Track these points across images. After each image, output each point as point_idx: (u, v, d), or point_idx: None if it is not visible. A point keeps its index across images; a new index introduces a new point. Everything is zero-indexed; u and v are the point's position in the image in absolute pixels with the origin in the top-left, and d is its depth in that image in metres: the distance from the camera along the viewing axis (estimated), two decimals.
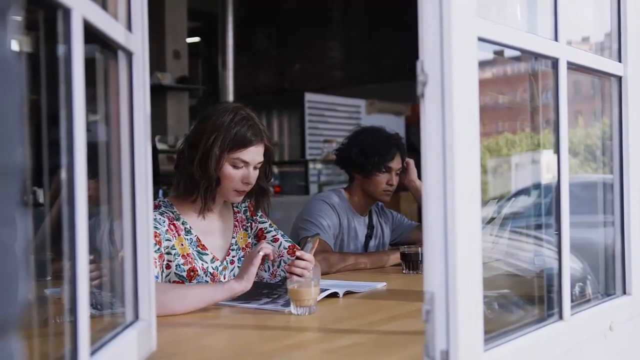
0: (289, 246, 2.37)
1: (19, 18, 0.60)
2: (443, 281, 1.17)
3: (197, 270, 2.19)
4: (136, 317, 1.37)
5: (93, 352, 1.09)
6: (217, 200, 2.27)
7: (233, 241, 2.34)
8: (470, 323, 1.19)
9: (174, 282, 2.16)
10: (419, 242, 2.98)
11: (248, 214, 2.42)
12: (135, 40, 1.36)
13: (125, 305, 1.36)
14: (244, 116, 2.21)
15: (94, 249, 1.18)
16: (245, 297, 2.05)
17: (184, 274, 2.17)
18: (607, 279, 1.87)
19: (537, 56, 1.57)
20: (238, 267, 2.31)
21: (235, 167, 2.19)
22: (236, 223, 2.38)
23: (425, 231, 1.18)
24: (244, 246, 2.37)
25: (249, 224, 2.41)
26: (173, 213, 2.22)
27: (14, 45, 0.58)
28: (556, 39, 1.52)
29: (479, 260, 1.22)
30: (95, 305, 1.39)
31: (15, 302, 0.57)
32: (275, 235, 2.40)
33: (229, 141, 2.16)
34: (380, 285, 2.35)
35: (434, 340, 1.17)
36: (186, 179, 2.20)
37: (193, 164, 2.17)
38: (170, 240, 2.15)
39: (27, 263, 0.61)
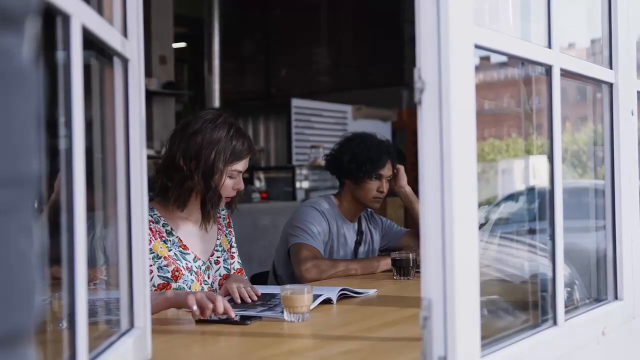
0: (237, 268, 2.48)
1: (35, 26, 0.60)
2: (441, 288, 1.17)
3: (181, 270, 2.24)
4: (132, 325, 1.36)
5: None
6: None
7: (217, 242, 2.42)
8: (468, 329, 1.19)
9: (158, 285, 2.19)
10: (409, 248, 2.98)
11: (225, 222, 2.51)
12: (131, 46, 1.35)
13: (120, 313, 1.35)
14: (237, 128, 2.32)
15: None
16: (241, 306, 2.04)
17: (169, 274, 2.22)
18: (599, 284, 1.88)
19: (531, 63, 1.58)
20: (224, 267, 2.41)
21: (230, 177, 2.29)
22: (219, 227, 2.46)
23: (423, 238, 1.18)
24: (227, 249, 2.46)
25: (228, 231, 2.51)
26: (152, 216, 2.26)
27: (31, 54, 0.58)
28: (550, 46, 1.53)
29: (477, 266, 1.22)
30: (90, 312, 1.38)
31: (32, 311, 0.57)
32: (234, 253, 2.52)
33: (230, 155, 2.26)
34: (372, 292, 2.35)
35: (432, 346, 1.17)
36: (186, 192, 2.25)
37: (193, 179, 2.22)
38: None
39: (42, 271, 0.60)
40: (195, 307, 1.81)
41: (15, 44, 0.55)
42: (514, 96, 1.94)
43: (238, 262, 2.52)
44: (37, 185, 0.59)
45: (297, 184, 7.47)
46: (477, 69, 1.54)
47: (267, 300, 2.13)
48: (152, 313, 1.99)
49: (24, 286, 0.56)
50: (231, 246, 2.51)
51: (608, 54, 1.85)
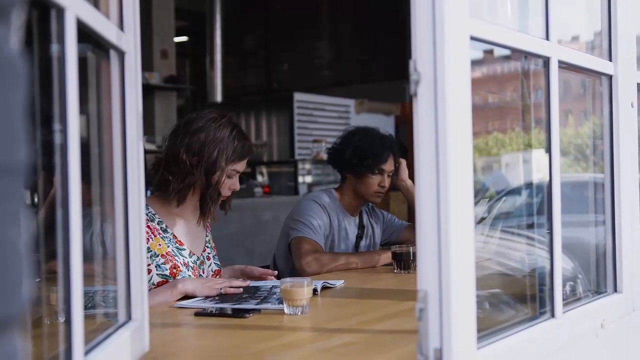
0: (215, 270, 2.47)
1: (22, 16, 0.60)
2: (436, 279, 1.17)
3: (179, 267, 2.27)
4: (129, 317, 1.36)
5: (86, 353, 1.09)
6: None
7: (207, 239, 2.47)
8: (464, 321, 1.19)
9: (158, 283, 2.19)
10: (410, 241, 2.98)
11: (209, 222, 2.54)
12: (128, 39, 1.35)
13: (118, 305, 1.35)
14: (240, 129, 2.36)
15: (84, 250, 1.18)
16: (230, 300, 2.04)
17: (167, 272, 2.24)
18: (598, 277, 1.88)
19: (528, 55, 1.57)
20: (215, 263, 2.46)
21: (228, 177, 2.33)
22: (208, 225, 2.50)
23: (419, 230, 1.18)
24: (214, 246, 2.51)
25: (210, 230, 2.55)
26: (147, 214, 2.28)
27: (17, 44, 0.58)
28: (547, 38, 1.53)
29: (472, 258, 1.22)
30: (86, 305, 1.38)
31: (20, 300, 0.57)
32: (215, 252, 2.53)
33: (231, 154, 2.29)
34: (339, 283, 2.36)
35: (428, 338, 1.17)
36: (186, 187, 2.28)
37: (194, 174, 2.25)
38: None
39: (30, 260, 0.61)
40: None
41: (2, 35, 0.55)
42: (517, 90, 1.93)
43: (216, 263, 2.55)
44: (25, 175, 0.59)
45: (300, 179, 7.47)
46: (481, 62, 1.54)
47: (254, 293, 2.13)
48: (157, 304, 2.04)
49: (11, 274, 0.56)
50: (214, 246, 2.55)
51: (607, 46, 1.85)
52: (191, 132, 2.28)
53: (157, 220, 2.30)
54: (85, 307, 1.15)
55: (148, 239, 2.22)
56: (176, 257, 2.27)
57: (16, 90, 0.56)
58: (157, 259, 2.23)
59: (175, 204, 2.30)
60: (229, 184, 2.34)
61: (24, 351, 0.59)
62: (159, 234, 2.28)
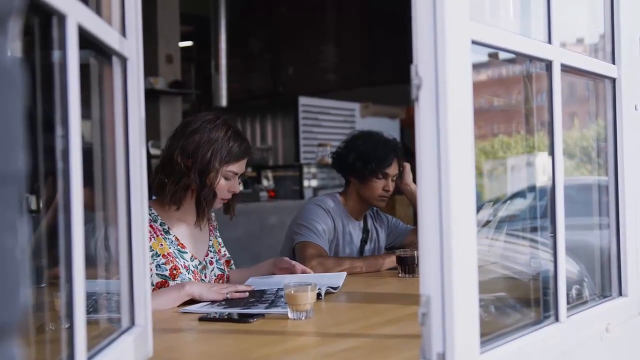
0: (218, 274, 2.47)
1: (19, 24, 0.61)
2: (439, 284, 1.17)
3: (179, 268, 2.27)
4: (132, 323, 1.37)
5: (89, 358, 1.09)
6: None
7: (210, 243, 2.46)
8: (467, 325, 1.19)
9: (157, 283, 2.21)
10: (414, 245, 2.98)
11: (215, 225, 2.55)
12: (130, 45, 1.35)
13: (121, 311, 1.35)
14: (235, 130, 2.35)
15: (88, 255, 1.18)
16: (237, 305, 2.04)
17: (167, 272, 2.25)
18: (603, 280, 1.87)
19: (531, 59, 1.57)
20: (217, 267, 2.44)
21: (226, 178, 2.32)
22: (211, 228, 2.50)
23: (421, 234, 1.18)
24: (218, 250, 2.50)
25: (217, 234, 2.55)
26: (150, 215, 2.29)
27: (15, 52, 0.58)
28: (550, 41, 1.52)
29: (475, 262, 1.22)
30: (89, 310, 1.38)
31: (17, 307, 0.58)
32: (224, 249, 2.55)
33: (226, 155, 2.29)
34: (342, 276, 2.40)
35: (430, 342, 1.17)
36: (182, 189, 2.28)
37: (189, 176, 2.26)
38: None
39: (28, 268, 0.61)
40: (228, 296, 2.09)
41: None
42: (523, 92, 1.93)
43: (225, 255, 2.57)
44: (24, 183, 0.59)
45: (305, 183, 7.47)
46: (486, 65, 1.54)
47: (260, 297, 2.13)
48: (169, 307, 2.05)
49: (8, 282, 0.56)
50: (221, 246, 2.54)
51: (611, 49, 1.84)
52: (187, 135, 2.30)
53: (159, 221, 2.31)
54: (88, 312, 1.15)
55: (150, 238, 2.22)
56: (177, 259, 2.28)
57: (14, 97, 0.56)
58: (158, 258, 2.24)
59: (174, 207, 2.30)
60: (228, 186, 2.33)
61: (21, 358, 0.59)
62: (161, 234, 2.28)
